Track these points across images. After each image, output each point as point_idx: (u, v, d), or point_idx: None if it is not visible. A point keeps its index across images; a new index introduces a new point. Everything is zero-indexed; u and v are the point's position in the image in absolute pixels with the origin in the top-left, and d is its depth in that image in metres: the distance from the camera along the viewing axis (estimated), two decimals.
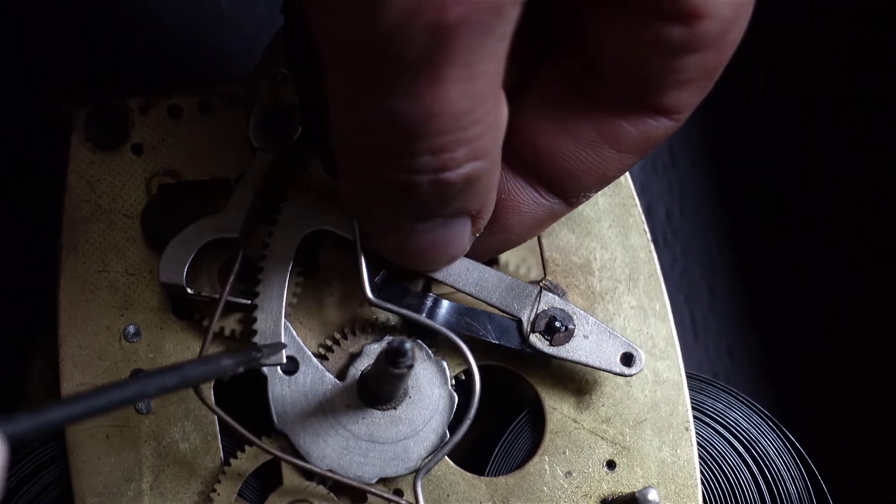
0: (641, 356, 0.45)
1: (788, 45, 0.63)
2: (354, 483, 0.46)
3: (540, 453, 0.47)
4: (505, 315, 0.46)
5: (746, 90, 0.62)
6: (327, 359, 0.47)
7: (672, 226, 0.61)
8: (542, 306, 0.46)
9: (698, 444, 0.48)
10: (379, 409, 0.46)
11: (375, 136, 0.37)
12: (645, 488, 0.46)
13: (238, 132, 0.48)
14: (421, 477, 0.45)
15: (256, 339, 0.46)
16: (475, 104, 0.35)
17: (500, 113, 0.37)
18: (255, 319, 0.46)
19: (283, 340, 0.46)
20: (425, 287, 0.48)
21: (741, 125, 0.63)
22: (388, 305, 0.46)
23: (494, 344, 0.46)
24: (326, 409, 0.46)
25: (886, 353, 0.60)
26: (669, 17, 0.38)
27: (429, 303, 0.47)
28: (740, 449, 0.50)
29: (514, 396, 0.49)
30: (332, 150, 0.41)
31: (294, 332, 0.47)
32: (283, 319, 0.46)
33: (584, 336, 0.46)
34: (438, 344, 0.47)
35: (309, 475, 0.47)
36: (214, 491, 0.46)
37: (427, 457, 0.46)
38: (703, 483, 0.48)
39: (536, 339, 0.46)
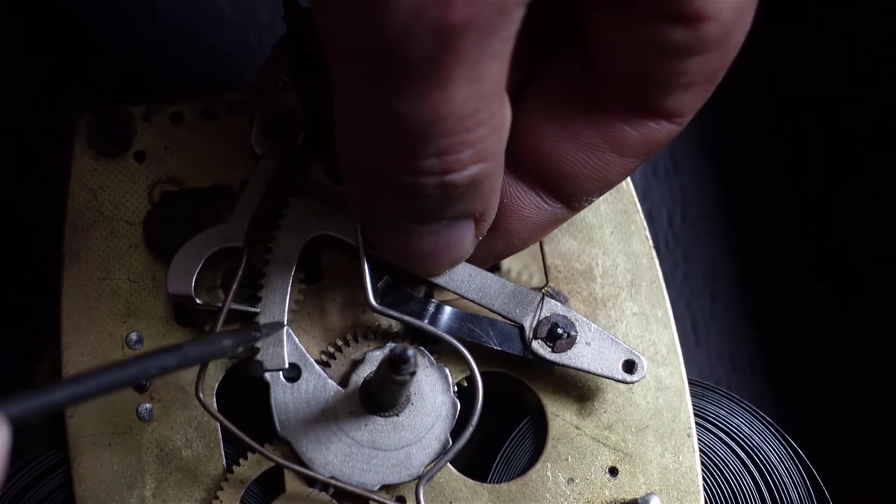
0: (643, 363, 0.45)
1: (790, 47, 0.63)
2: (357, 490, 0.46)
3: (542, 460, 0.47)
4: (507, 321, 0.46)
5: (747, 94, 0.62)
6: (329, 366, 0.47)
7: (674, 231, 0.61)
8: (545, 313, 0.46)
9: (700, 450, 0.48)
10: (381, 416, 0.46)
11: (380, 138, 0.37)
12: (647, 495, 0.47)
13: (240, 139, 0.48)
14: (423, 484, 0.45)
15: (259, 344, 0.46)
16: (480, 105, 0.35)
17: (505, 115, 0.37)
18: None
19: (284, 347, 0.46)
20: (427, 293, 0.48)
21: (743, 129, 0.63)
22: (391, 312, 0.46)
23: (496, 350, 0.46)
24: (329, 415, 0.46)
25: (890, 360, 0.60)
26: (672, 19, 0.38)
27: (431, 308, 0.47)
28: (742, 455, 0.50)
29: (516, 403, 0.49)
30: (335, 156, 0.41)
31: (296, 338, 0.47)
32: (284, 324, 0.46)
33: (586, 343, 0.46)
34: (441, 350, 0.47)
35: (311, 482, 0.47)
36: (217, 498, 0.46)
37: (430, 464, 0.46)
38: (705, 489, 0.48)
39: (539, 346, 0.46)
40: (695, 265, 0.61)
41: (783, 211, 0.62)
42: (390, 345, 0.47)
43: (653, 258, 0.49)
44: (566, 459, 0.47)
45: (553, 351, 0.46)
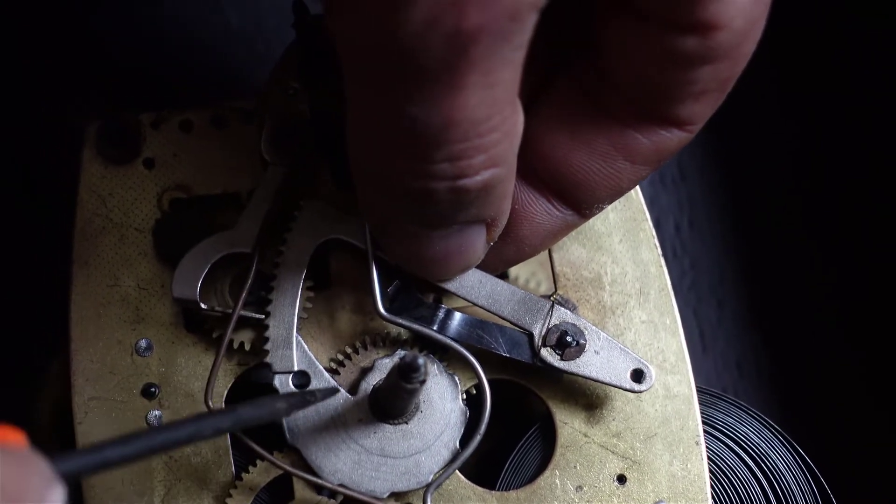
0: (652, 373, 0.46)
1: (797, 54, 0.63)
2: (366, 497, 0.46)
3: (551, 468, 0.47)
4: (516, 328, 0.46)
5: (755, 102, 0.62)
6: (339, 373, 0.47)
7: (681, 239, 0.62)
8: (554, 321, 0.46)
9: (708, 458, 0.48)
10: (390, 424, 0.46)
11: (393, 143, 0.37)
12: (656, 503, 0.47)
13: (249, 146, 0.48)
14: (432, 491, 0.45)
15: (268, 347, 0.46)
16: (493, 111, 0.36)
17: (517, 121, 0.37)
18: (267, 327, 0.46)
19: (294, 352, 0.46)
20: (436, 300, 0.48)
21: (749, 138, 0.63)
22: (399, 320, 0.46)
23: (505, 358, 0.46)
24: (338, 423, 0.46)
25: None
26: (684, 28, 0.38)
27: (441, 314, 0.47)
28: (750, 463, 0.50)
29: (524, 411, 0.49)
30: (344, 163, 0.41)
31: (305, 346, 0.47)
32: (295, 326, 0.46)
33: (595, 351, 0.46)
34: (449, 358, 0.47)
35: (320, 490, 0.47)
36: None
37: (439, 471, 0.46)
38: (713, 497, 0.48)
39: (547, 354, 0.46)
40: (702, 273, 0.61)
41: (789, 218, 0.62)
42: (400, 352, 0.47)
43: (661, 266, 0.49)
44: (575, 467, 0.47)
45: (562, 359, 0.46)
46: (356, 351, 0.47)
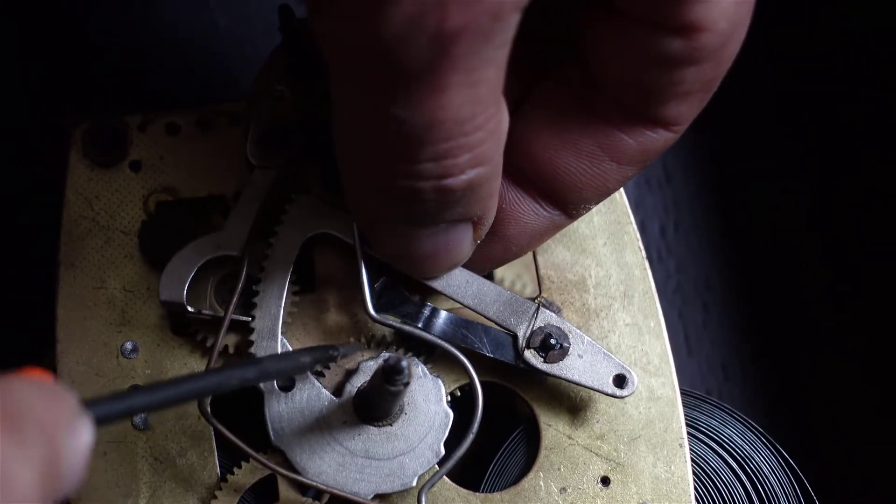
0: (634, 379, 0.46)
1: (784, 57, 0.63)
2: (351, 497, 0.46)
3: (535, 469, 0.47)
4: (501, 329, 0.47)
5: (741, 103, 0.62)
6: (323, 375, 0.47)
7: (666, 242, 0.62)
8: (539, 323, 0.46)
9: (692, 460, 0.48)
10: (375, 426, 0.46)
11: (378, 143, 0.37)
12: None
13: (235, 149, 0.49)
14: (426, 491, 0.46)
15: (253, 337, 0.46)
16: (477, 110, 0.36)
17: (502, 120, 0.38)
18: (253, 317, 0.47)
19: (278, 344, 0.46)
20: (422, 300, 0.48)
21: (736, 139, 0.63)
22: (390, 321, 0.46)
23: (490, 361, 0.47)
24: (322, 425, 0.46)
25: (881, 370, 0.60)
26: (669, 30, 0.38)
27: (426, 312, 0.47)
28: (734, 465, 0.50)
29: (509, 413, 0.49)
30: (332, 165, 0.41)
31: (290, 348, 0.47)
32: (281, 319, 0.46)
33: (578, 355, 0.46)
34: (436, 358, 0.48)
35: (305, 490, 0.47)
36: None
37: (425, 472, 0.46)
38: (697, 499, 0.48)
39: (531, 356, 0.46)
40: (687, 275, 0.61)
41: (776, 221, 0.62)
42: (384, 355, 0.47)
43: (646, 269, 0.49)
44: (559, 469, 0.47)
45: (545, 361, 0.46)
46: None
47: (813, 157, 0.62)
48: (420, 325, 0.47)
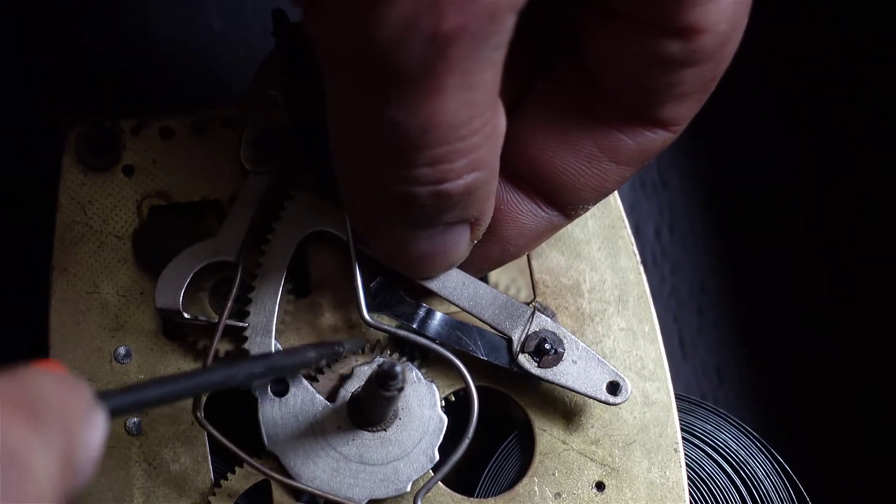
0: (628, 386, 0.46)
1: (779, 61, 0.63)
2: (345, 502, 0.46)
3: (529, 475, 0.47)
4: (496, 333, 0.47)
5: (736, 105, 0.62)
6: (317, 380, 0.47)
7: (661, 245, 0.62)
8: (534, 327, 0.46)
9: (687, 465, 0.48)
10: (369, 431, 0.46)
11: (374, 147, 0.37)
12: None
13: (229, 154, 0.48)
14: (422, 496, 0.46)
15: (248, 333, 0.46)
16: (473, 114, 0.36)
17: (499, 123, 0.37)
18: (247, 313, 0.46)
19: (272, 340, 0.46)
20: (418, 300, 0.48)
21: (730, 144, 0.63)
22: (384, 326, 0.46)
23: (484, 366, 0.46)
24: (316, 430, 0.46)
25: (877, 375, 0.60)
26: (667, 32, 0.38)
27: (422, 313, 0.47)
28: (729, 470, 0.50)
29: (503, 418, 0.49)
30: (326, 170, 0.41)
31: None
32: (275, 315, 0.46)
33: (572, 361, 0.46)
34: (430, 362, 0.47)
35: (299, 495, 0.47)
36: None
37: (419, 478, 0.46)
38: None
39: (525, 360, 0.46)
40: (682, 279, 0.61)
41: (771, 224, 0.62)
42: (378, 359, 0.47)
43: (640, 273, 0.49)
44: (553, 474, 0.47)
45: (539, 366, 0.46)
46: None
47: (808, 161, 0.62)
48: (415, 326, 0.46)
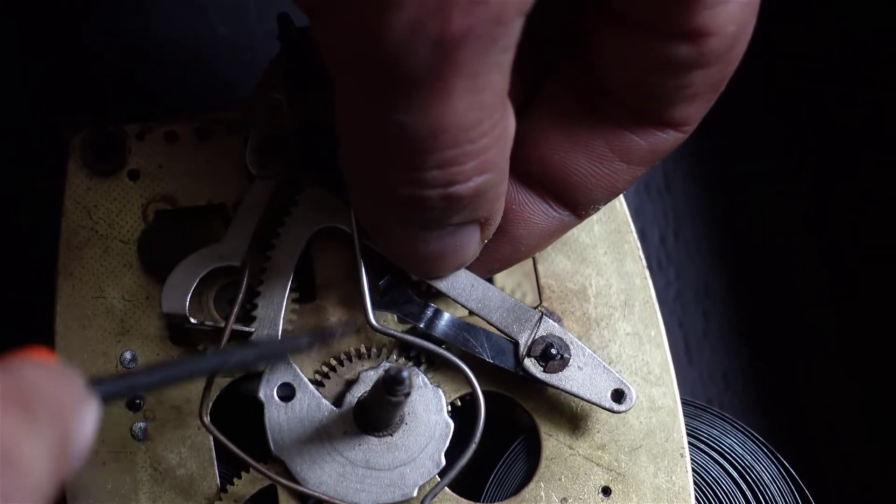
0: (633, 395, 0.46)
1: (783, 62, 0.63)
2: None
3: (535, 480, 0.47)
4: (503, 336, 0.47)
5: (741, 109, 0.62)
6: (323, 385, 0.47)
7: (666, 250, 0.62)
8: (541, 332, 0.46)
9: (693, 470, 0.48)
10: (375, 436, 0.46)
11: (382, 151, 0.37)
12: None
13: (234, 158, 0.48)
14: (428, 502, 0.46)
15: (255, 326, 0.46)
16: (482, 116, 0.36)
17: (508, 125, 0.37)
18: (255, 306, 0.47)
19: (279, 334, 0.46)
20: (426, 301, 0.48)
21: (735, 148, 0.63)
22: (390, 331, 0.46)
23: (490, 370, 0.46)
24: (323, 435, 0.46)
25: (882, 379, 0.60)
26: (676, 36, 0.38)
27: (429, 312, 0.47)
28: (735, 475, 0.50)
29: (509, 423, 0.49)
30: (332, 174, 0.41)
31: (290, 358, 0.47)
32: (283, 309, 0.46)
33: (578, 367, 0.46)
34: (435, 369, 0.47)
35: (305, 500, 0.47)
36: None
37: (426, 483, 0.46)
38: None
39: (531, 364, 0.46)
40: (687, 284, 0.61)
41: (775, 228, 0.62)
42: (385, 365, 0.47)
43: (646, 278, 0.49)
44: (559, 479, 0.47)
45: (545, 371, 0.46)
46: (341, 363, 0.47)
47: (811, 165, 0.62)
48: (422, 326, 0.46)
